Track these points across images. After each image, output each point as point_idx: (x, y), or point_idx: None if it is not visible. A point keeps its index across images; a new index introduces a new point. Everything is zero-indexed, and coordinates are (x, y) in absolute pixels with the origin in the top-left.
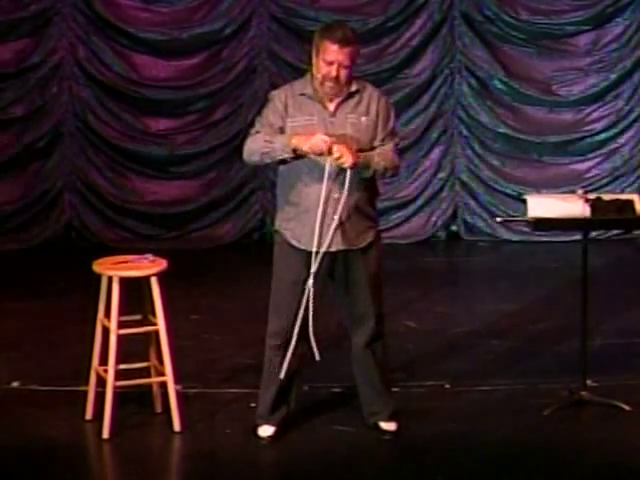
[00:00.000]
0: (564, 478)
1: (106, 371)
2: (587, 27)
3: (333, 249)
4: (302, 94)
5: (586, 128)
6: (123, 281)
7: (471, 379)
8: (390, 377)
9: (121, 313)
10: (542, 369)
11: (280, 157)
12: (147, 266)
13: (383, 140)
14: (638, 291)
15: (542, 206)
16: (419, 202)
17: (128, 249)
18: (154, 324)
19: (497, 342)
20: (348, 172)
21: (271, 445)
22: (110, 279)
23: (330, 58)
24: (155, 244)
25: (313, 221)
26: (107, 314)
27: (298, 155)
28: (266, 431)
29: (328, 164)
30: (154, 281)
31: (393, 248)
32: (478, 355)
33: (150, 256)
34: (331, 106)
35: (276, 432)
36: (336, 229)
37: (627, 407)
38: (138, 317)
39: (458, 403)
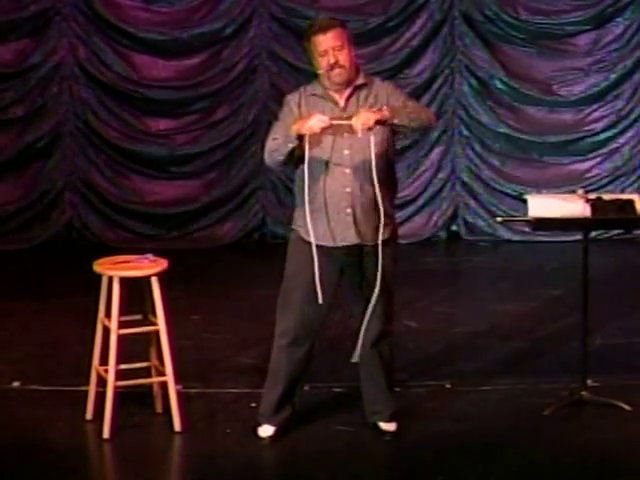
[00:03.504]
0: (564, 478)
1: (107, 371)
2: (587, 27)
3: (347, 243)
4: (313, 94)
5: (586, 128)
6: (124, 281)
7: (471, 379)
8: (394, 377)
9: (122, 313)
10: (542, 369)
11: (288, 149)
12: (148, 266)
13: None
14: (638, 291)
15: (543, 206)
16: (420, 202)
17: (129, 249)
18: (155, 324)
19: (497, 342)
20: (372, 139)
21: (271, 445)
22: (111, 279)
23: (322, 48)
24: (156, 244)
25: (326, 218)
26: (108, 314)
27: (304, 144)
28: (266, 431)
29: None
30: (154, 281)
31: None
32: (479, 355)
33: (150, 256)
34: (341, 102)
35: (276, 432)
36: (349, 223)
37: (628, 407)
38: (139, 317)
39: (458, 403)
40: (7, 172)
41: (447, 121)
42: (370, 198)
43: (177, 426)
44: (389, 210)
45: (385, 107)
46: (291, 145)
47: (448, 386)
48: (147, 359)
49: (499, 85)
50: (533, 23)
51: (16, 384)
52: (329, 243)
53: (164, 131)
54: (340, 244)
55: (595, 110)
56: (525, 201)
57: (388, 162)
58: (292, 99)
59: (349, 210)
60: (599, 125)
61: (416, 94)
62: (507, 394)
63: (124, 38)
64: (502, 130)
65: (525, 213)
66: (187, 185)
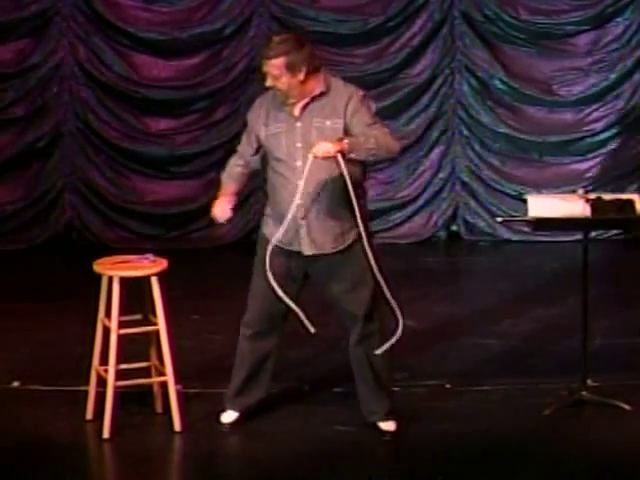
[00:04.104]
0: (564, 478)
1: (106, 371)
2: (587, 27)
3: (306, 253)
4: (276, 101)
5: (586, 128)
6: (123, 281)
7: (471, 379)
8: (388, 376)
9: (122, 313)
10: (542, 369)
11: None
12: (147, 266)
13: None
14: (638, 291)
15: (543, 206)
16: (419, 202)
17: (129, 249)
18: (155, 324)
19: (497, 342)
20: (340, 160)
21: (271, 445)
22: (110, 279)
23: (264, 69)
24: (155, 244)
25: (284, 225)
26: (108, 314)
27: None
28: (228, 417)
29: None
30: (154, 281)
31: (393, 248)
32: (478, 355)
33: (150, 256)
34: (296, 111)
35: (239, 419)
36: (303, 234)
37: (627, 407)
38: (139, 317)
39: (458, 403)
40: (7, 172)
41: (447, 121)
42: (326, 209)
43: (177, 426)
44: (350, 214)
45: (345, 141)
46: None
47: (448, 386)
48: (147, 359)
49: (499, 85)
50: (533, 23)
51: (16, 384)
52: (288, 247)
53: (164, 131)
54: (300, 251)
55: (595, 110)
56: (525, 201)
57: (342, 173)
58: (262, 101)
59: (302, 222)
60: (599, 125)
61: (416, 94)
62: (507, 394)
63: (124, 38)
64: (502, 130)
65: (525, 213)
66: (187, 185)
